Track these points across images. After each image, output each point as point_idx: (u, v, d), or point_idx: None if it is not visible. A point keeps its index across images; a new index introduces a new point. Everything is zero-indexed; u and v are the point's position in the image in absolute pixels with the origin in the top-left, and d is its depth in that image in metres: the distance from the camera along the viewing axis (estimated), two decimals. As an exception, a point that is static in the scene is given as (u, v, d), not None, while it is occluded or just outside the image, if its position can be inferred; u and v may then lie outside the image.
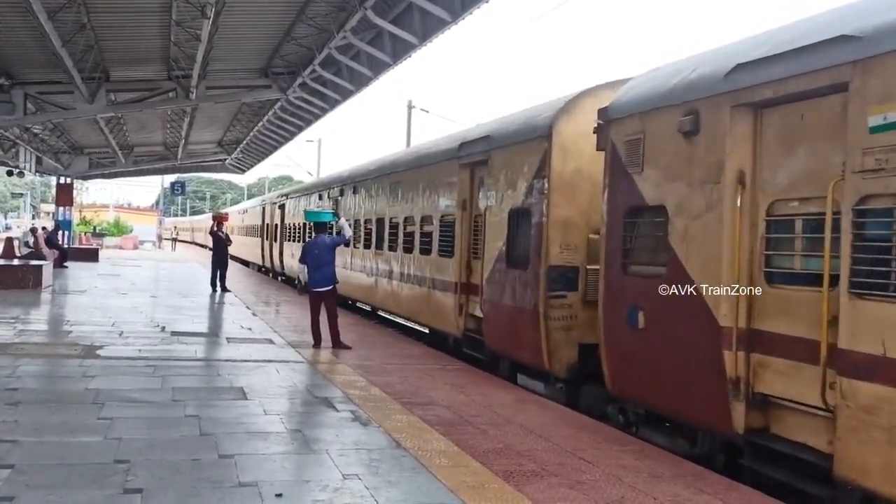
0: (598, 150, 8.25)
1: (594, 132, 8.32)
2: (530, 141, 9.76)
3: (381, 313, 18.48)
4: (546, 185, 9.26)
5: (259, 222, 34.79)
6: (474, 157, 11.58)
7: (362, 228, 17.69)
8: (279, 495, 4.97)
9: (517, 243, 10.01)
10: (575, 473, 5.88)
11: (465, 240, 11.85)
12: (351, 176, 19.79)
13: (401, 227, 14.92)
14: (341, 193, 20.04)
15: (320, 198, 22.48)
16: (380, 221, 16.39)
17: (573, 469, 6.00)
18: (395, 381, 9.35)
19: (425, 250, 13.43)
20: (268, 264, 32.03)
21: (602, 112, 8.20)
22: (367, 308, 18.92)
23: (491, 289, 10.61)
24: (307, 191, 25.56)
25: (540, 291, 9.20)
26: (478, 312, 11.35)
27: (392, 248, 15.40)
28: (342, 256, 18.54)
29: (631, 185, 7.50)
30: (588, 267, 9.07)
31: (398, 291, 15.00)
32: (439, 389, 9.08)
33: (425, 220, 13.64)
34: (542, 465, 6.04)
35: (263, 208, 33.88)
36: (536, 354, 9.37)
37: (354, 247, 17.90)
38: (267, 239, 32.10)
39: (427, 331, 14.50)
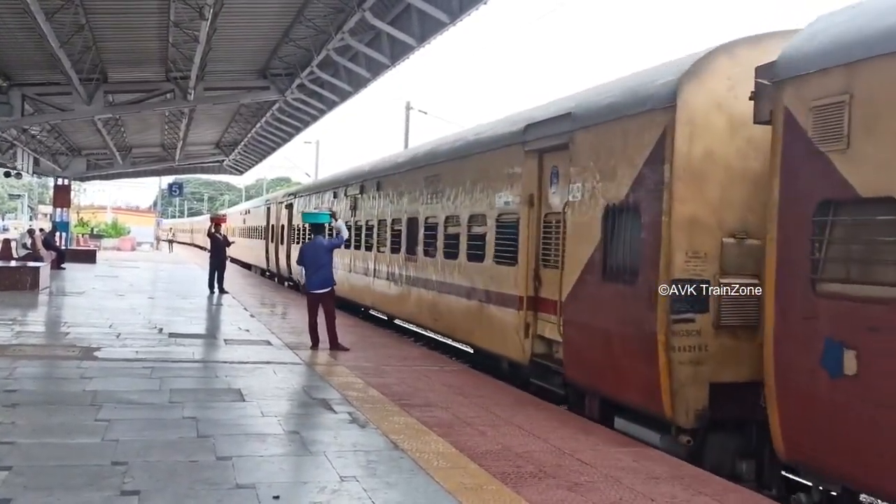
0: (756, 122, 6.40)
1: (750, 98, 6.42)
2: (640, 115, 7.67)
3: (410, 326, 16.81)
4: (666, 172, 7.16)
5: (263, 223, 33.28)
6: (548, 142, 9.51)
7: (388, 230, 15.75)
8: (277, 497, 4.96)
9: (618, 249, 8.00)
10: (573, 475, 5.88)
11: (532, 244, 9.84)
12: (373, 171, 17.67)
13: (440, 229, 12.84)
14: (361, 191, 17.91)
15: (334, 196, 20.40)
16: (411, 222, 14.31)
17: (571, 470, 6.00)
18: (393, 383, 9.34)
19: (475, 256, 11.41)
20: (272, 268, 30.75)
21: (766, 70, 6.16)
22: (384, 317, 17.78)
23: (576, 307, 8.60)
24: (318, 189, 23.68)
25: (658, 313, 7.12)
26: (548, 334, 9.46)
27: (429, 254, 13.39)
28: (362, 262, 17.71)
29: (826, 169, 5.51)
30: (722, 281, 7.13)
31: (435, 304, 12.92)
32: (437, 391, 9.08)
33: (475, 219, 11.58)
34: (541, 467, 6.04)
35: (268, 208, 32.35)
36: (651, 396, 7.25)
37: (379, 251, 16.46)
38: (272, 241, 30.76)
39: (471, 350, 12.91)
